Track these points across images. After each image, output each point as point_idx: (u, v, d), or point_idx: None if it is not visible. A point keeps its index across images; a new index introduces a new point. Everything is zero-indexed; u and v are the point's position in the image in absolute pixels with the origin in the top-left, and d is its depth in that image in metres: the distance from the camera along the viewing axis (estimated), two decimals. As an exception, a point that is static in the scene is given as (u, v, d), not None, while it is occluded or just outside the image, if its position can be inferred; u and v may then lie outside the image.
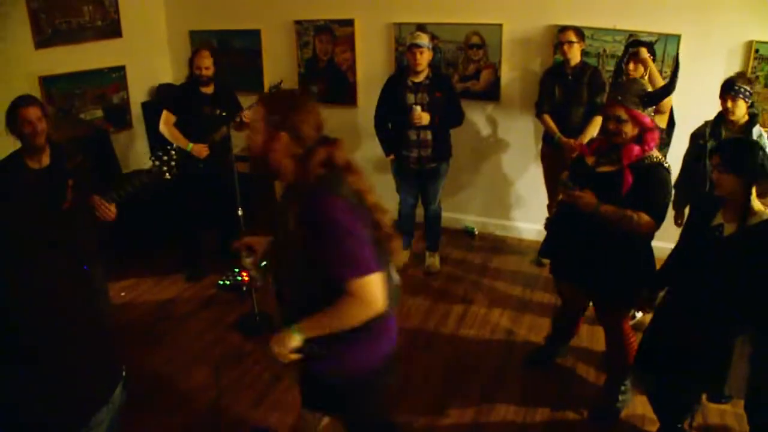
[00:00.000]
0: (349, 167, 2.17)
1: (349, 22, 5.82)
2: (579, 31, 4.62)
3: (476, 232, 5.85)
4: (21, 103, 3.41)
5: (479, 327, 4.35)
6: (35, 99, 3.52)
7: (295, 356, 2.17)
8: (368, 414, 2.51)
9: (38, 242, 2.04)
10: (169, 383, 3.87)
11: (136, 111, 6.63)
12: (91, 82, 6.31)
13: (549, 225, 3.60)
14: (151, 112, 5.99)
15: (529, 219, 5.63)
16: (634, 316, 4.15)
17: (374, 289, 2.03)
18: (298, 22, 6.09)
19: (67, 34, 6.06)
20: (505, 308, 4.57)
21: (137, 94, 6.65)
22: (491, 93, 5.42)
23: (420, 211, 5.19)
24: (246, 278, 5.01)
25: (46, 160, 3.49)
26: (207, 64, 4.88)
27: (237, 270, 5.14)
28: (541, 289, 4.76)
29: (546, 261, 4.80)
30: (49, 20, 5.90)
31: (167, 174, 3.87)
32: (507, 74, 5.34)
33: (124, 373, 2.32)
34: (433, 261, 5.18)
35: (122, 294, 5.08)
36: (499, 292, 4.81)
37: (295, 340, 2.13)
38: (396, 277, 2.43)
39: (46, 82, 5.94)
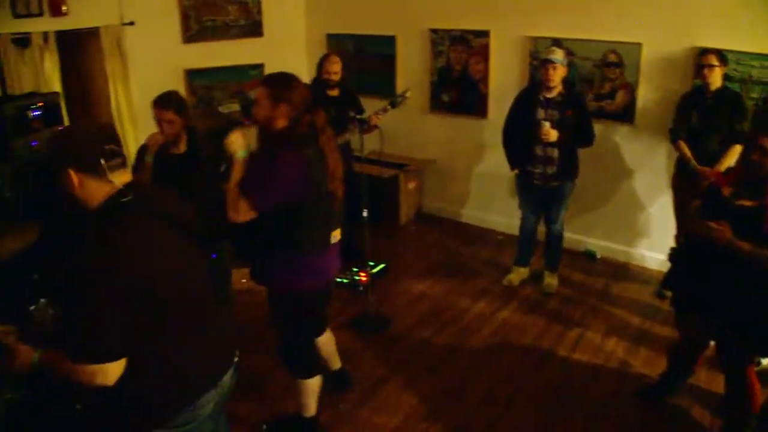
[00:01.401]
0: (324, 130, 2.96)
1: (485, 34, 5.81)
2: (721, 55, 4.40)
3: (598, 256, 5.68)
4: (155, 103, 3.70)
5: (593, 354, 4.24)
6: (169, 101, 3.72)
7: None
8: (287, 325, 3.26)
9: (177, 225, 2.16)
10: (272, 374, 3.98)
11: (270, 108, 6.90)
12: (231, 77, 6.65)
13: (675, 256, 3.47)
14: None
15: (654, 247, 5.39)
16: (759, 363, 3.92)
17: (244, 207, 2.81)
18: (433, 31, 6.14)
19: (213, 31, 6.44)
20: (621, 338, 4.42)
21: (273, 91, 6.91)
22: (626, 114, 5.25)
23: (542, 229, 5.12)
24: (364, 279, 5.12)
25: (183, 147, 3.83)
26: (336, 69, 5.06)
27: (356, 270, 5.27)
28: (660, 323, 4.56)
29: (669, 293, 4.64)
30: (198, 17, 6.30)
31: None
32: (644, 96, 5.15)
33: (236, 359, 2.40)
34: (551, 281, 5.10)
35: (243, 281, 5.29)
36: (617, 321, 4.65)
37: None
38: (335, 236, 3.15)
39: (190, 74, 6.35)
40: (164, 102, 3.69)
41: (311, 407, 3.45)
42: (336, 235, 3.15)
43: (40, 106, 4.81)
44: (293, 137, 2.86)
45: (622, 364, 4.14)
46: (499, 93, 5.81)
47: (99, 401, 2.13)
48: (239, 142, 2.90)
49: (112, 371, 1.92)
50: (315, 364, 3.42)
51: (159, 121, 3.69)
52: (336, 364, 3.89)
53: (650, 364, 4.10)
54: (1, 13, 5.00)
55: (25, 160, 4.64)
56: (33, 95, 4.95)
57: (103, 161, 1.99)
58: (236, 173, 2.86)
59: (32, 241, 3.43)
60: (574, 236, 5.60)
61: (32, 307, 3.56)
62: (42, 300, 3.59)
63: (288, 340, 3.31)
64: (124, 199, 2.00)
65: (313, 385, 3.39)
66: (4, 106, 4.51)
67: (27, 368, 2.13)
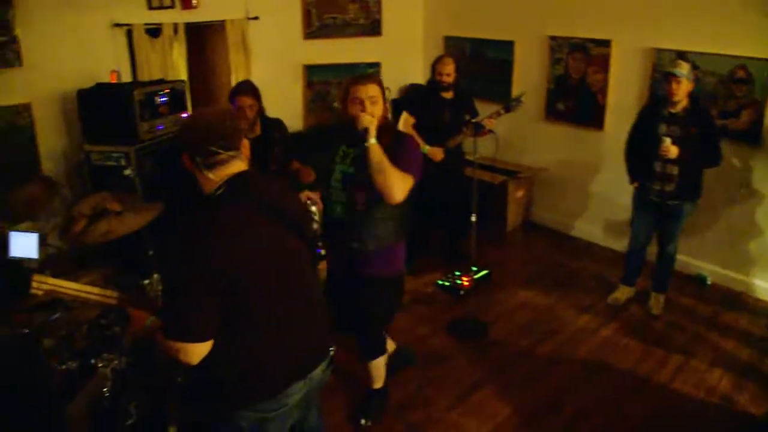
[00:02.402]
0: None
1: (606, 43, 5.67)
2: None
3: (709, 282, 5.41)
4: (239, 91, 4.26)
5: (695, 384, 4.08)
6: (250, 88, 4.30)
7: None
8: (383, 309, 3.54)
9: (277, 216, 2.21)
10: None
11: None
12: (348, 74, 6.76)
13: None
14: (399, 108, 6.34)
15: (771, 278, 5.16)
16: None
17: (410, 183, 3.08)
18: (552, 38, 6.06)
19: (333, 28, 6.67)
20: (727, 370, 4.22)
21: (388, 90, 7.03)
22: (751, 134, 4.96)
23: (652, 249, 4.98)
24: (466, 283, 5.15)
25: (258, 130, 4.35)
26: (449, 70, 5.09)
27: (458, 273, 5.31)
28: (773, 358, 4.35)
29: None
30: (319, 15, 6.55)
31: None
32: (773, 116, 4.89)
33: (332, 352, 2.45)
34: (658, 303, 4.92)
35: None
36: (724, 352, 4.44)
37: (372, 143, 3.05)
38: None
39: (309, 69, 6.60)
40: (245, 89, 4.28)
41: (383, 378, 3.81)
42: None
43: (167, 93, 5.12)
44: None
45: (726, 398, 3.97)
46: (617, 105, 5.68)
47: (193, 377, 2.28)
48: (373, 128, 3.05)
49: (193, 351, 2.03)
50: (384, 343, 3.78)
51: (241, 108, 4.20)
52: (392, 345, 4.06)
53: (757, 402, 3.91)
54: (137, 5, 5.41)
55: (153, 144, 4.95)
56: (161, 82, 5.26)
57: (199, 159, 2.12)
58: (379, 155, 3.03)
59: (153, 219, 3.68)
60: (684, 258, 5.37)
61: (146, 281, 3.83)
62: (155, 275, 3.85)
63: (378, 325, 3.62)
64: (217, 192, 2.13)
65: (383, 360, 3.75)
66: (134, 91, 4.82)
67: (140, 332, 2.32)
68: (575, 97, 6.04)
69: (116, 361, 3.16)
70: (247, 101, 4.22)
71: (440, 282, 5.33)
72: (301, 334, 2.28)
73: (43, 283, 2.40)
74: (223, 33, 6.01)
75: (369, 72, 3.32)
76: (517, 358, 4.38)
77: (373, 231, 3.24)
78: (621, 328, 4.73)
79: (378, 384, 3.80)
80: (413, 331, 4.67)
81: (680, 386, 4.07)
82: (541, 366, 4.29)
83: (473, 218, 4.60)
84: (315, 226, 2.63)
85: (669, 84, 4.34)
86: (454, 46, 6.85)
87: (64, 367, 3.18)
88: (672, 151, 4.30)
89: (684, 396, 3.99)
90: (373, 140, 3.02)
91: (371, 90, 3.12)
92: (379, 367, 3.73)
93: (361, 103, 3.11)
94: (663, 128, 4.42)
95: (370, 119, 3.05)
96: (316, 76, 6.69)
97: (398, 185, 3.02)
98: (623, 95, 5.63)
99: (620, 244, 5.44)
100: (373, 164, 3.02)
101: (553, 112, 6.27)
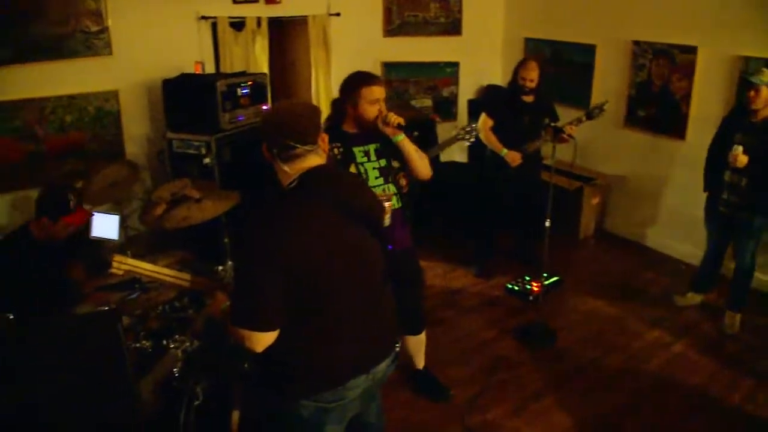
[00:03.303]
0: None
1: (692, 50, 5.46)
2: None
3: (789, 302, 5.16)
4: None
5: (768, 409, 3.91)
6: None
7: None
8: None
9: (348, 211, 2.23)
10: (432, 370, 4.06)
11: (462, 106, 7.01)
12: (426, 73, 6.88)
13: None
14: (476, 109, 6.31)
15: None
16: None
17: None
18: (636, 43, 5.90)
19: (413, 26, 6.72)
20: (804, 397, 4.01)
21: (466, 90, 7.05)
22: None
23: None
24: (536, 289, 5.08)
25: None
26: (532, 76, 4.96)
27: (528, 278, 5.26)
28: None
29: None
30: (400, 13, 6.60)
31: (467, 141, 4.21)
32: None
33: (397, 348, 2.45)
34: (732, 321, 4.70)
35: None
36: (802, 377, 4.23)
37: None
38: None
39: (387, 67, 6.63)
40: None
41: None
42: None
43: (248, 85, 5.23)
44: None
45: (802, 426, 3.79)
46: (701, 114, 5.47)
47: (258, 364, 2.32)
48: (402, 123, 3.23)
49: (258, 339, 2.08)
50: None
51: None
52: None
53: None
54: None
55: (234, 134, 5.07)
56: (243, 74, 5.38)
57: (275, 151, 2.18)
58: (413, 145, 3.32)
59: (230, 208, 3.78)
60: (762, 276, 5.11)
61: (220, 268, 3.92)
62: (229, 262, 3.94)
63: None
64: (291, 185, 2.17)
65: None
66: (217, 82, 4.93)
67: (217, 314, 2.38)
68: (657, 105, 5.85)
69: (187, 343, 3.26)
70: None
71: (509, 286, 5.28)
72: (367, 328, 2.30)
73: (122, 263, 2.50)
74: (304, 28, 6.11)
75: (375, 74, 3.37)
76: (584, 369, 4.30)
77: (412, 207, 3.50)
78: (692, 346, 4.56)
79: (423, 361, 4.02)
80: (479, 334, 4.66)
81: (753, 410, 3.89)
82: (608, 379, 4.20)
83: (547, 223, 4.53)
84: (387, 221, 2.68)
85: (747, 91, 4.19)
86: (534, 48, 6.77)
87: (137, 345, 3.31)
88: (741, 159, 4.15)
89: (759, 421, 3.80)
90: (400, 137, 3.28)
91: (383, 90, 3.26)
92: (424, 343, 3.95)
93: (378, 103, 3.23)
94: (738, 137, 4.27)
95: (399, 117, 3.23)
96: (394, 73, 6.73)
97: (429, 164, 3.39)
98: (708, 104, 5.42)
99: (697, 258, 5.23)
100: (413, 154, 3.32)
101: (633, 119, 6.09)
